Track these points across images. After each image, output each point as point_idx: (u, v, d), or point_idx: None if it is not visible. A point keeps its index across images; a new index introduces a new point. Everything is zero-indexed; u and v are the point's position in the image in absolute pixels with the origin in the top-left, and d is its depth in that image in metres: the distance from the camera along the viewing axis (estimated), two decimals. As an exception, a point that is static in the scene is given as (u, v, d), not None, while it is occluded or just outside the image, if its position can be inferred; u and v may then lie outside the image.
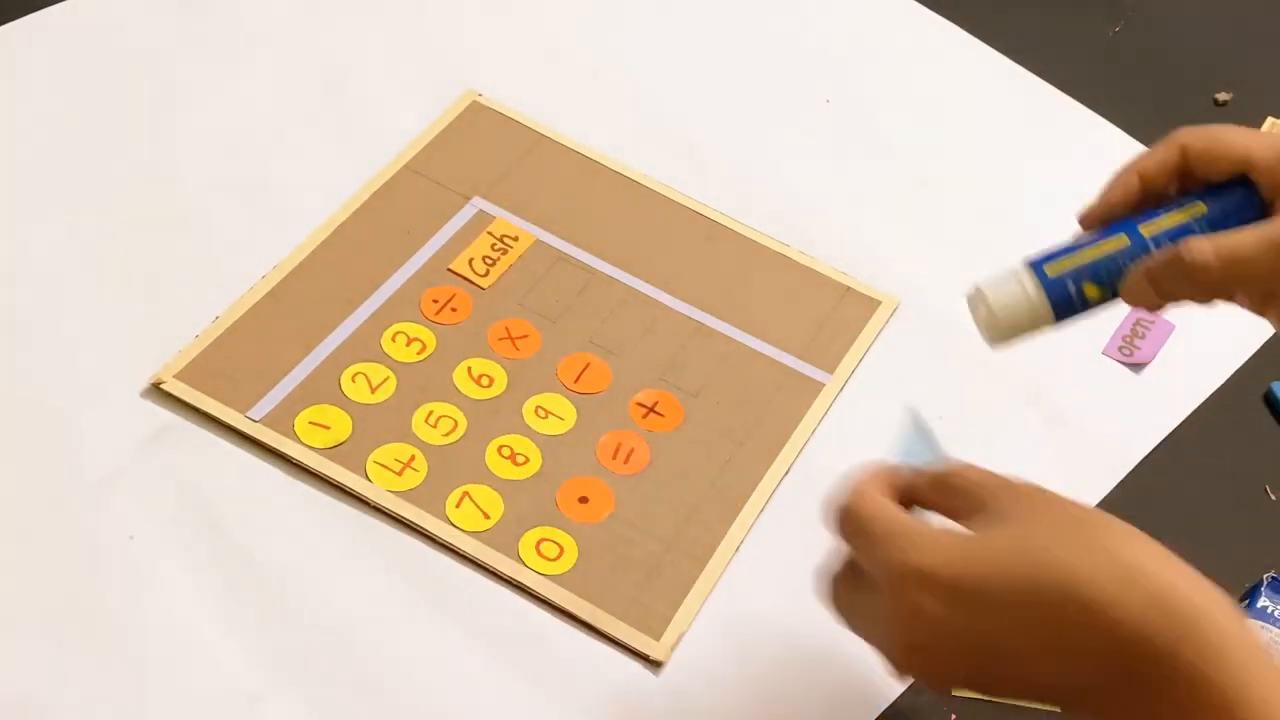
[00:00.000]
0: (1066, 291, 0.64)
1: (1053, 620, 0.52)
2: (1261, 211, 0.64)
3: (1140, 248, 0.64)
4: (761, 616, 0.80)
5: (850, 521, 0.58)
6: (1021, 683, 0.55)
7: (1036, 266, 0.65)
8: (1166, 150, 0.66)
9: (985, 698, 0.60)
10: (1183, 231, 0.63)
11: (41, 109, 0.98)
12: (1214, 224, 0.64)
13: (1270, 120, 1.10)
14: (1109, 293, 0.65)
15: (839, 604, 0.61)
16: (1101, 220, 0.67)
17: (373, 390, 0.85)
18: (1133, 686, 0.52)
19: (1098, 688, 0.53)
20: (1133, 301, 0.65)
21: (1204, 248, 0.62)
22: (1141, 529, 0.88)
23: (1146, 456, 0.90)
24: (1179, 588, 0.52)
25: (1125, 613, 0.52)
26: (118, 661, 0.73)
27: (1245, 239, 0.63)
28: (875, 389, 0.91)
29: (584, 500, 0.82)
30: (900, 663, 0.57)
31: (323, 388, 0.85)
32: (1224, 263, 0.62)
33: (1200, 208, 0.64)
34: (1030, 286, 0.64)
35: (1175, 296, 0.64)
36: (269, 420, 0.83)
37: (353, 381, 0.85)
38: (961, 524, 0.57)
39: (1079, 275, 0.64)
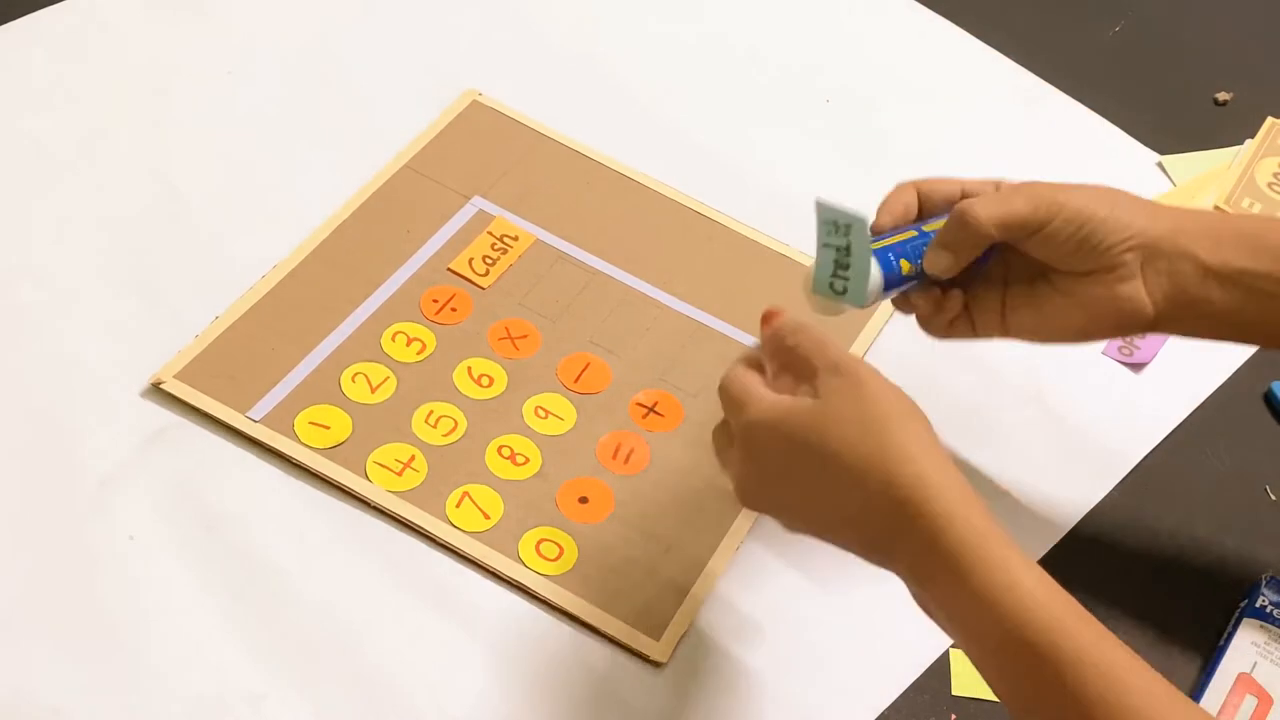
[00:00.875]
0: (889, 260, 0.76)
1: (876, 484, 0.65)
2: None
3: (924, 235, 0.78)
4: (761, 616, 0.80)
5: (721, 392, 0.72)
6: (819, 517, 0.69)
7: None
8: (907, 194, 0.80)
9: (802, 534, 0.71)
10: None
11: (41, 109, 0.98)
12: None
13: (1270, 120, 1.10)
14: (915, 271, 0.77)
15: (717, 452, 0.73)
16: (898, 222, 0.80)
17: (373, 390, 0.85)
18: (918, 553, 0.65)
19: (876, 541, 0.66)
20: (931, 266, 0.77)
21: (974, 205, 0.76)
22: (1142, 529, 0.89)
23: (1146, 456, 0.90)
24: (956, 484, 0.65)
25: (937, 499, 0.64)
26: (118, 661, 0.73)
27: (1010, 198, 0.76)
28: (875, 389, 0.91)
29: (584, 500, 0.82)
30: (739, 488, 0.71)
31: (323, 388, 0.85)
32: (992, 216, 0.75)
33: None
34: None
35: (961, 252, 0.76)
36: (269, 420, 0.83)
37: (353, 381, 0.85)
38: (795, 381, 0.70)
39: (894, 250, 0.77)
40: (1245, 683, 0.79)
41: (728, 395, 0.71)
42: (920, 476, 0.64)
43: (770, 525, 0.83)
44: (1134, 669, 0.62)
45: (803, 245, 0.97)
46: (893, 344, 0.93)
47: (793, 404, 0.68)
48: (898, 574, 0.67)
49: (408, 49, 1.06)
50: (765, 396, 0.69)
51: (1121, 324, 0.77)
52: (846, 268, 0.76)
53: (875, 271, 0.75)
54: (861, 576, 0.80)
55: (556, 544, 0.80)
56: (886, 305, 0.95)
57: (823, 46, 1.13)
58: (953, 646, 0.79)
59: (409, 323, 0.89)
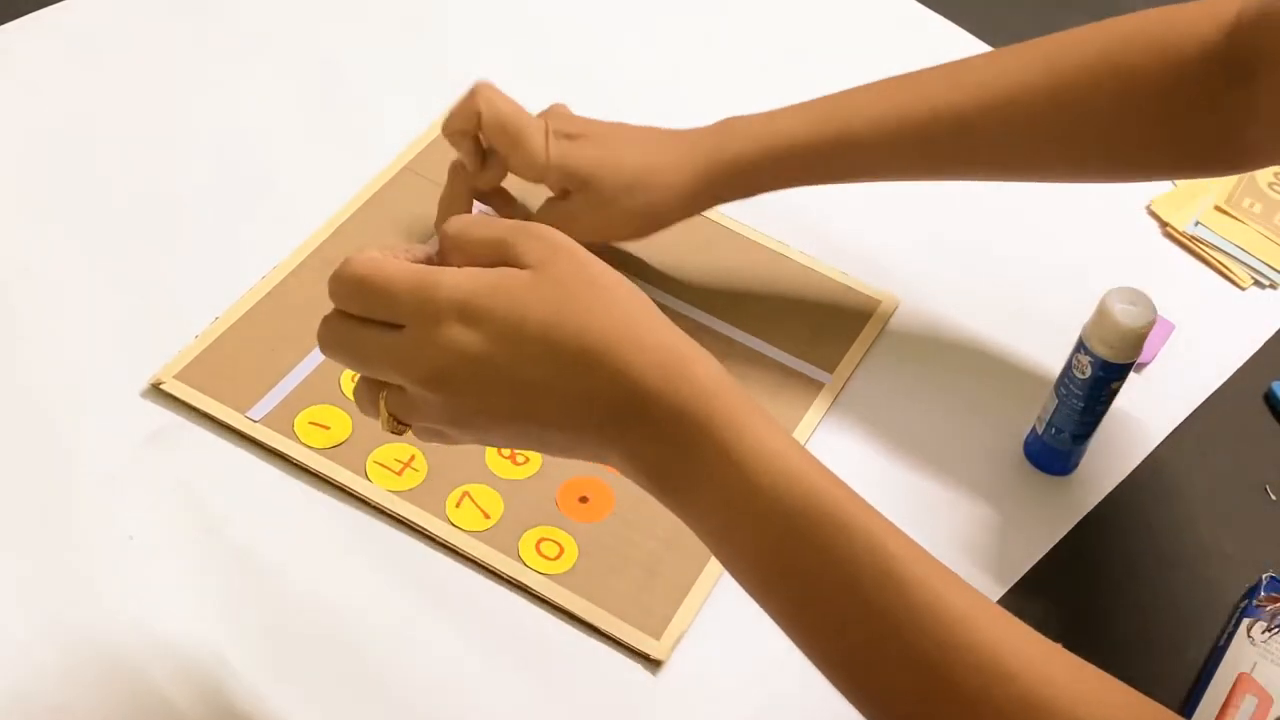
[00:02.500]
0: None
1: (569, 362, 0.57)
2: None
3: None
4: (761, 616, 0.80)
5: (361, 283, 0.59)
6: (533, 419, 0.59)
7: None
8: (468, 114, 0.88)
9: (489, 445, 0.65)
10: None
11: (41, 109, 0.98)
12: None
13: (1270, 120, 1.10)
14: None
15: (334, 343, 0.61)
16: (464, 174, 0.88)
17: (373, 390, 0.85)
18: (637, 426, 0.58)
19: (602, 425, 0.58)
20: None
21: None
22: (1142, 528, 0.89)
23: (1147, 456, 0.90)
24: (683, 353, 0.59)
25: (643, 375, 0.57)
26: (118, 661, 0.73)
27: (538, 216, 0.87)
28: (875, 389, 0.91)
29: (584, 500, 0.82)
30: (419, 394, 0.59)
31: (323, 388, 0.85)
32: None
33: None
34: None
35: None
36: (269, 420, 0.83)
37: (352, 382, 0.85)
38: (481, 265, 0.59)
39: None
40: (1245, 683, 0.79)
41: (385, 286, 0.58)
42: (675, 346, 0.58)
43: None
44: (905, 541, 0.59)
45: (802, 245, 0.97)
46: (893, 344, 0.93)
47: (499, 277, 0.58)
48: (618, 465, 0.59)
49: (407, 49, 1.06)
50: (458, 269, 0.58)
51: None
52: None
53: None
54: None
55: (557, 543, 0.80)
56: (887, 306, 0.95)
57: (822, 46, 1.13)
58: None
59: (409, 323, 0.89)
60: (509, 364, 0.57)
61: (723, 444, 0.58)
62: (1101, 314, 0.80)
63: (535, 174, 0.87)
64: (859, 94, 0.88)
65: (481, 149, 0.88)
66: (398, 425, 0.62)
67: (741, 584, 0.61)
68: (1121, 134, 0.84)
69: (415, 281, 0.58)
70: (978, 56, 0.88)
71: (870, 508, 0.59)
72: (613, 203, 0.86)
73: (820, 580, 0.58)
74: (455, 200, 0.89)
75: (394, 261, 0.59)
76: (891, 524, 0.59)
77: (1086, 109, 0.83)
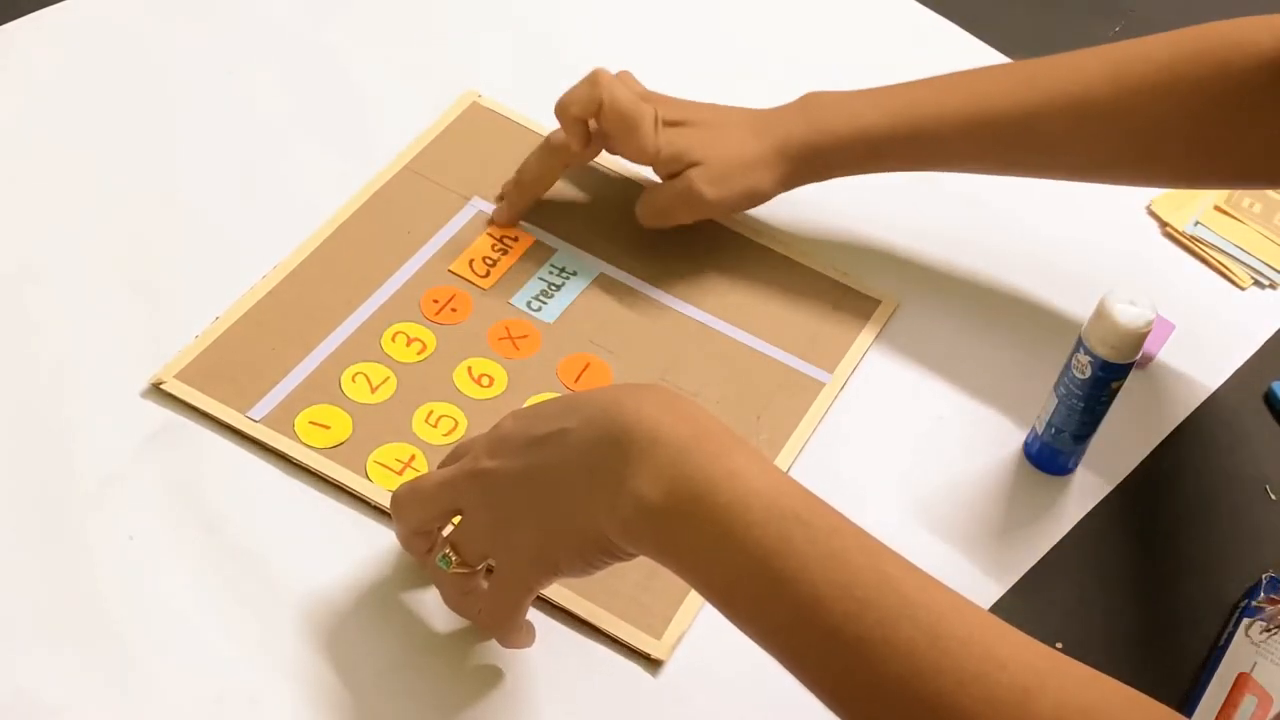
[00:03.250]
0: None
1: (578, 432, 0.66)
2: None
3: None
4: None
5: (407, 493, 0.74)
6: (550, 500, 0.67)
7: None
8: (590, 101, 0.91)
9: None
10: None
11: (42, 109, 0.98)
12: None
13: (1270, 120, 1.10)
14: None
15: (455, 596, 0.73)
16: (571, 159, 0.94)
17: (373, 390, 0.85)
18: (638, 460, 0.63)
19: (605, 483, 0.64)
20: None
21: (643, 209, 0.95)
22: (1142, 528, 0.88)
23: (1147, 456, 0.90)
24: (705, 423, 0.65)
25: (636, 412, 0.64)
26: (118, 661, 0.73)
27: (665, 198, 0.94)
28: (875, 389, 0.91)
29: (584, 500, 0.82)
30: (471, 469, 0.70)
31: (323, 388, 0.85)
32: (657, 216, 0.94)
33: None
34: None
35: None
36: (269, 420, 0.83)
37: (353, 381, 0.85)
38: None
39: None
40: (1245, 683, 0.79)
41: (423, 483, 0.73)
42: (619, 402, 0.65)
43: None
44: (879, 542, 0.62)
45: (802, 245, 0.97)
46: (893, 344, 0.93)
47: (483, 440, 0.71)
48: (627, 498, 0.63)
49: (408, 49, 1.06)
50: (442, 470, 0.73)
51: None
52: None
53: None
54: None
55: (557, 544, 0.80)
56: (887, 306, 0.95)
57: (822, 46, 1.13)
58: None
59: (409, 323, 0.89)
60: (530, 428, 0.68)
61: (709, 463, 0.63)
62: (1101, 314, 0.80)
63: (645, 159, 0.92)
64: (935, 86, 0.91)
65: (588, 133, 0.91)
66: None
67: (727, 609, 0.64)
68: (1185, 144, 0.87)
69: (448, 464, 0.73)
70: (1046, 59, 0.91)
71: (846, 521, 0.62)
72: (717, 183, 0.91)
73: (817, 583, 0.60)
74: (548, 174, 0.95)
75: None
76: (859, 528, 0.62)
77: (1151, 119, 0.86)
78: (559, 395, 0.76)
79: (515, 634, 0.73)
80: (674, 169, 0.92)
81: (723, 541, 0.61)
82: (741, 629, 0.63)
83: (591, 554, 0.67)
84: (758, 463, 0.64)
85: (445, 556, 0.71)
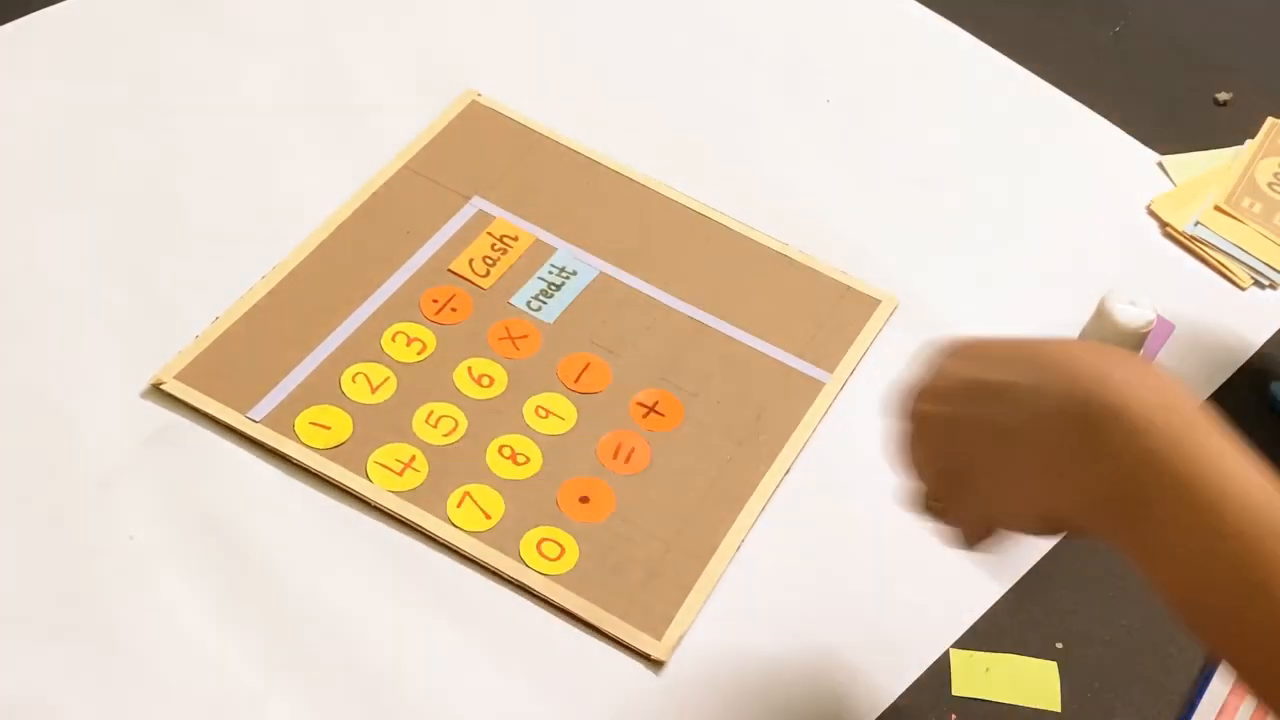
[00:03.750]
0: None
1: (1064, 383, 0.58)
2: None
3: None
4: (761, 616, 0.80)
5: (914, 390, 0.67)
6: (1010, 447, 0.60)
7: None
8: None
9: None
10: None
11: (41, 109, 0.98)
12: None
13: (1270, 120, 1.11)
14: None
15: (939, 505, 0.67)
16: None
17: (373, 390, 0.85)
18: (1117, 461, 0.56)
19: (1080, 462, 0.57)
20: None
21: None
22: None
23: (1147, 456, 0.90)
24: (1178, 398, 0.57)
25: (1133, 396, 0.57)
26: (118, 661, 0.73)
27: None
28: (875, 388, 0.91)
29: (585, 500, 0.82)
30: (912, 410, 0.66)
31: (323, 388, 0.85)
32: None
33: None
34: None
35: None
36: (269, 420, 0.83)
37: (353, 381, 0.85)
38: None
39: None
40: (1246, 682, 0.79)
41: (919, 380, 0.66)
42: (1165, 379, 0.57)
43: (770, 525, 0.83)
44: None
45: (802, 245, 0.97)
46: (893, 344, 0.93)
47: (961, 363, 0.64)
48: (1089, 504, 0.58)
49: (408, 49, 1.06)
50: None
51: None
52: None
53: None
54: (863, 576, 0.80)
55: (557, 543, 0.80)
56: (887, 305, 0.95)
57: (823, 46, 1.13)
58: (954, 647, 0.79)
59: (409, 323, 0.89)
60: (986, 373, 0.62)
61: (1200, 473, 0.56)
62: (1101, 314, 0.80)
63: None
64: None
65: None
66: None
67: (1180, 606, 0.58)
68: None
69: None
70: None
71: None
72: None
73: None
74: None
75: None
76: None
77: None
78: (1002, 338, 0.64)
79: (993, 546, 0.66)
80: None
81: (1198, 540, 0.55)
82: (1202, 639, 0.58)
83: (1044, 525, 0.61)
84: (1238, 455, 0.56)
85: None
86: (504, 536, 0.80)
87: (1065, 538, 0.81)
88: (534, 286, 0.92)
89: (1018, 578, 0.83)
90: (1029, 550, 0.84)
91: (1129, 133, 1.09)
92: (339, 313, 0.88)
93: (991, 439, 0.61)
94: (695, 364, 0.90)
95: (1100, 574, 0.85)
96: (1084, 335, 0.82)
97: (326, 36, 1.06)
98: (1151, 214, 1.04)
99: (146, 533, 0.78)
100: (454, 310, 0.90)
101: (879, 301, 0.95)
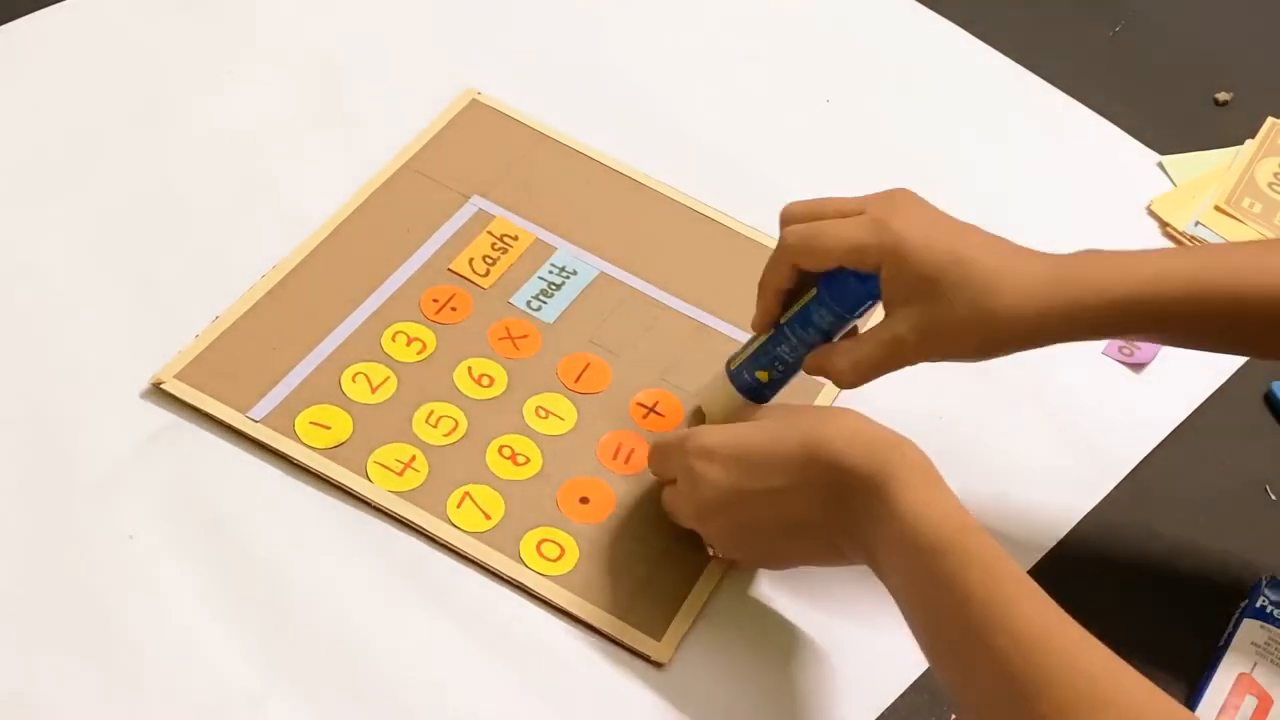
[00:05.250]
0: (744, 379, 0.82)
1: (800, 464, 0.72)
2: (866, 278, 0.76)
3: (780, 335, 0.80)
4: (761, 616, 0.80)
5: (656, 451, 0.80)
6: (781, 527, 0.74)
7: (729, 366, 0.83)
8: (779, 266, 0.79)
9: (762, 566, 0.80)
10: (804, 314, 0.79)
11: (41, 109, 0.98)
12: (826, 301, 0.78)
13: (1270, 120, 1.11)
14: (776, 373, 0.81)
15: (666, 504, 0.80)
16: (764, 326, 0.81)
17: (373, 390, 0.85)
18: (849, 509, 0.71)
19: (829, 518, 0.72)
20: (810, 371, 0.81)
21: (838, 362, 0.78)
22: (1142, 528, 0.89)
23: (1146, 456, 0.90)
24: (883, 439, 0.72)
25: (848, 456, 0.71)
26: (118, 661, 0.73)
27: (865, 347, 0.77)
28: (875, 387, 0.91)
29: (585, 500, 0.82)
30: (698, 526, 0.78)
31: (323, 388, 0.85)
32: (856, 372, 0.78)
33: (812, 293, 0.78)
34: (724, 381, 0.83)
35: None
36: (269, 420, 0.83)
37: (353, 381, 0.85)
38: None
39: (748, 366, 0.81)
40: (1245, 683, 0.79)
41: (666, 446, 0.79)
42: (877, 434, 0.72)
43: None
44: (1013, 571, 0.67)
45: (803, 245, 0.97)
46: (893, 344, 0.93)
47: (747, 423, 0.76)
48: (843, 531, 0.72)
49: (408, 49, 1.06)
50: (714, 426, 0.77)
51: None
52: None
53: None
54: (863, 576, 0.80)
55: (557, 544, 0.80)
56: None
57: (823, 46, 1.13)
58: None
59: (409, 323, 0.89)
60: (751, 485, 0.74)
61: (892, 499, 0.69)
62: None
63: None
64: (1232, 250, 0.82)
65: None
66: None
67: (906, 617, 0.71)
68: None
69: (680, 437, 0.77)
70: None
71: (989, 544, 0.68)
72: (956, 325, 0.75)
73: (944, 600, 0.67)
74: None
75: (669, 433, 0.83)
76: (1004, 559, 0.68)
77: None
78: (731, 428, 0.76)
79: None
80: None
81: (903, 558, 0.69)
82: (919, 643, 0.70)
83: (818, 560, 0.77)
84: (925, 486, 0.70)
85: None
86: (504, 537, 0.80)
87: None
88: (534, 286, 0.92)
89: (1018, 578, 0.83)
90: (1029, 550, 0.84)
91: (1129, 133, 1.09)
92: (339, 312, 0.88)
93: (759, 525, 0.75)
94: (696, 364, 0.90)
95: (1100, 574, 0.85)
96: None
97: (326, 36, 1.06)
98: (1151, 214, 1.04)
99: (146, 533, 0.78)
100: (454, 310, 0.90)
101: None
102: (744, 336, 0.91)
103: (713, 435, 0.76)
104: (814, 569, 0.78)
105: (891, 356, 0.76)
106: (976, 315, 0.74)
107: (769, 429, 0.75)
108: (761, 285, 0.80)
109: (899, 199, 0.77)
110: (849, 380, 0.78)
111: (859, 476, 0.70)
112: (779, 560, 0.79)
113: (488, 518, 0.81)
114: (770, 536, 0.76)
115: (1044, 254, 0.76)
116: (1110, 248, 0.77)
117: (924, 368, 0.92)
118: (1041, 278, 0.74)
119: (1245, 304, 0.76)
